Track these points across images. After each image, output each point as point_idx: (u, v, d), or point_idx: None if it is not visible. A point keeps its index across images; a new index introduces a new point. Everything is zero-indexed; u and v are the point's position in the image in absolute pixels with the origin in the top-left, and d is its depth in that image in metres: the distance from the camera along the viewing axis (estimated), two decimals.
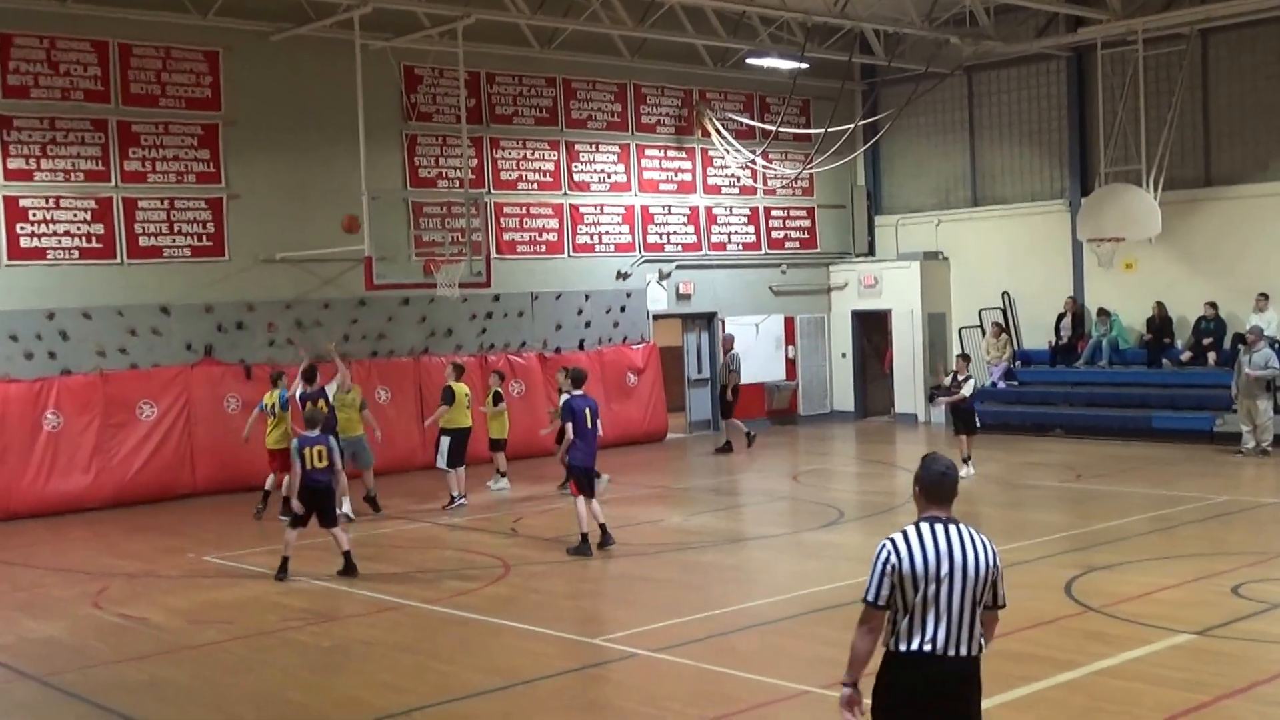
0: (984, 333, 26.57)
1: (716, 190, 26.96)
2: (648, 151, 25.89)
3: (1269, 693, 8.85)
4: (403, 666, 10.24)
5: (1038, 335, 26.32)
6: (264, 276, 21.05)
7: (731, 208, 27.22)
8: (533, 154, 24.23)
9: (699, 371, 26.75)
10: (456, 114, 22.02)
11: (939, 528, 5.58)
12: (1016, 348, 26.46)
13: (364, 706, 9.24)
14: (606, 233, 25.23)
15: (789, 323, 27.98)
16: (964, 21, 24.22)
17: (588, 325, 24.72)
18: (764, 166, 26.92)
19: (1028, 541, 14.21)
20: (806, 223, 28.53)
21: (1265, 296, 22.63)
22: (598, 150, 25.14)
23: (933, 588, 5.47)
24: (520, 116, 24.08)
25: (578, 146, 24.83)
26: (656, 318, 25.97)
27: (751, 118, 27.01)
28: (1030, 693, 8.95)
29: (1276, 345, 20.98)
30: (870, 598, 5.56)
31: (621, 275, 25.36)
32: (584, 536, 14.19)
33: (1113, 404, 24.11)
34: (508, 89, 23.90)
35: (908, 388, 27.41)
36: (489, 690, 9.49)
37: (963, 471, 18.21)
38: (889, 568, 5.52)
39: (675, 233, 26.29)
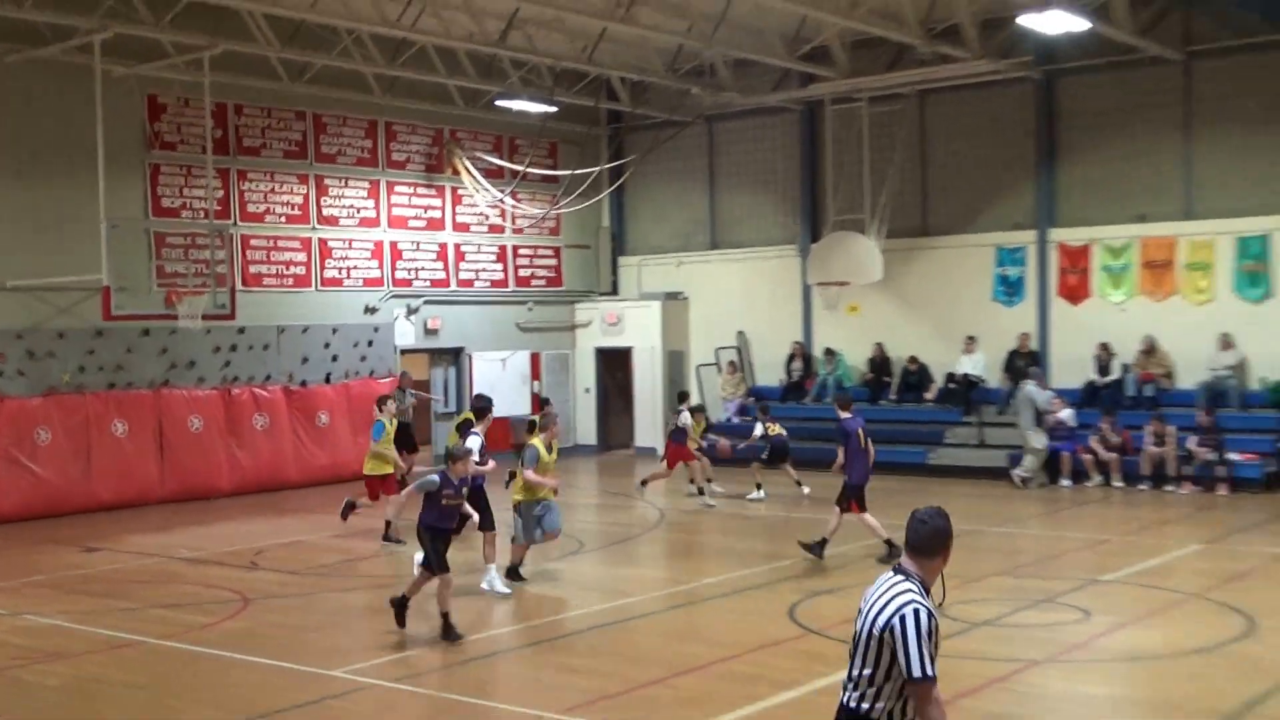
0: (720, 370, 27.30)
1: (465, 228, 26.94)
2: (398, 188, 25.69)
3: (972, 704, 9.40)
4: (133, 704, 9.85)
5: (770, 373, 27.17)
6: None
7: (480, 245, 27.24)
8: (281, 187, 23.72)
9: (445, 406, 26.58)
10: (202, 144, 21.33)
11: (884, 575, 5.44)
12: (751, 384, 27.27)
13: None
14: (355, 267, 24.88)
15: (535, 358, 28.15)
16: (705, 73, 24.93)
17: (335, 359, 24.28)
18: (513, 206, 27.05)
19: (758, 569, 14.77)
20: (553, 261, 28.80)
21: (973, 339, 24.01)
22: (347, 185, 24.79)
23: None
24: (268, 149, 23.56)
25: (327, 181, 24.44)
26: (404, 352, 25.72)
27: (501, 158, 27.12)
28: (756, 711, 9.26)
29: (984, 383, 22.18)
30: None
31: (369, 309, 25.04)
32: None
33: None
34: (256, 121, 23.37)
35: (648, 422, 27.90)
36: None
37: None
38: None
39: (424, 268, 26.12)
